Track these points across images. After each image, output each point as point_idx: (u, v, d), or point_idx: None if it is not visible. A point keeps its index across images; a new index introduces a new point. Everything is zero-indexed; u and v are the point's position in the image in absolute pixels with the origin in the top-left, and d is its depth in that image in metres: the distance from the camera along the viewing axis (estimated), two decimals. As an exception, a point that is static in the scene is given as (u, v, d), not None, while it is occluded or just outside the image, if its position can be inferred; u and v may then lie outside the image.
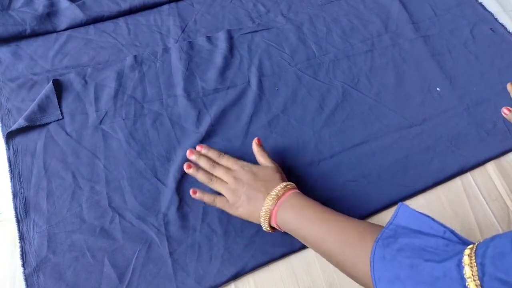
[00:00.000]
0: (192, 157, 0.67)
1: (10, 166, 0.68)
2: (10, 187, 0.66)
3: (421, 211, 0.65)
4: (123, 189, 0.67)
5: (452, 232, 0.43)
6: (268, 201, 0.59)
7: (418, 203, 0.70)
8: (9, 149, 0.69)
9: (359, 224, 0.54)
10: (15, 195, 0.65)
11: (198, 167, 0.66)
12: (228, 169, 0.65)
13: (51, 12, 0.84)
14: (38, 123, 0.71)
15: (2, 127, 0.72)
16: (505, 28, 0.90)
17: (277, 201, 0.59)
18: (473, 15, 0.92)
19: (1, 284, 0.60)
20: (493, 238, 0.37)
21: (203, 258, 0.62)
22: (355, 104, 0.78)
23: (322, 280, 0.63)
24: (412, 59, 0.85)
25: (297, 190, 0.62)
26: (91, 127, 0.73)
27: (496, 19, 0.91)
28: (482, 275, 0.35)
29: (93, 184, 0.67)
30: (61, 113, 0.73)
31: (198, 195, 0.64)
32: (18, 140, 0.70)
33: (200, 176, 0.65)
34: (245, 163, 0.66)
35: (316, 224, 0.56)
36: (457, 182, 0.72)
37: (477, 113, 0.78)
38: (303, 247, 0.64)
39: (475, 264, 0.36)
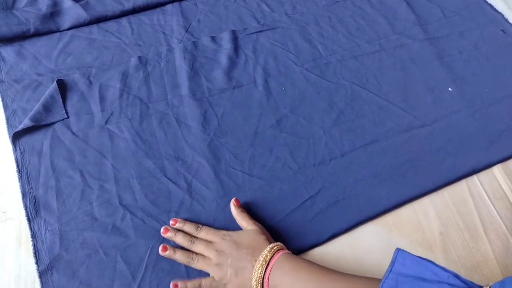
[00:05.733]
0: (168, 234, 0.65)
1: (17, 166, 0.72)
2: (19, 187, 0.70)
3: (426, 213, 0.66)
4: (133, 188, 0.71)
5: (456, 276, 0.42)
6: (257, 268, 0.58)
7: (422, 203, 0.73)
8: (16, 149, 0.73)
9: (356, 282, 0.54)
10: (24, 195, 0.69)
11: (175, 247, 0.65)
12: (208, 242, 0.64)
13: (54, 12, 0.88)
14: (43, 123, 0.75)
15: (8, 127, 0.76)
16: (516, 29, 0.94)
17: (267, 267, 0.58)
18: (482, 17, 0.97)
19: (6, 282, 0.63)
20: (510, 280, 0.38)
21: (216, 255, 0.66)
22: (364, 103, 0.83)
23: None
24: (421, 60, 0.89)
25: (286, 251, 0.61)
26: (97, 126, 0.76)
27: (506, 20, 0.96)
28: None
29: (102, 182, 0.71)
30: (66, 113, 0.77)
31: (180, 286, 0.61)
32: (25, 140, 0.74)
33: (179, 257, 0.63)
34: (225, 232, 0.65)
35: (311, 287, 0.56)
36: (461, 181, 0.76)
37: (489, 115, 0.83)
38: (310, 247, 0.68)
39: None
